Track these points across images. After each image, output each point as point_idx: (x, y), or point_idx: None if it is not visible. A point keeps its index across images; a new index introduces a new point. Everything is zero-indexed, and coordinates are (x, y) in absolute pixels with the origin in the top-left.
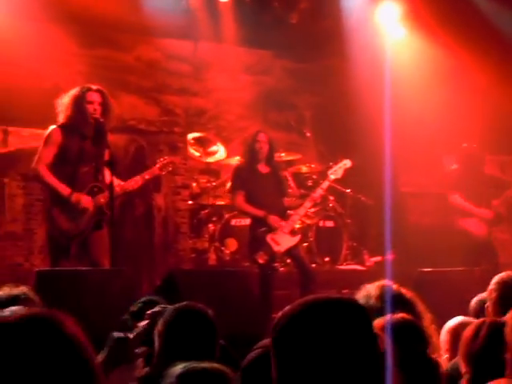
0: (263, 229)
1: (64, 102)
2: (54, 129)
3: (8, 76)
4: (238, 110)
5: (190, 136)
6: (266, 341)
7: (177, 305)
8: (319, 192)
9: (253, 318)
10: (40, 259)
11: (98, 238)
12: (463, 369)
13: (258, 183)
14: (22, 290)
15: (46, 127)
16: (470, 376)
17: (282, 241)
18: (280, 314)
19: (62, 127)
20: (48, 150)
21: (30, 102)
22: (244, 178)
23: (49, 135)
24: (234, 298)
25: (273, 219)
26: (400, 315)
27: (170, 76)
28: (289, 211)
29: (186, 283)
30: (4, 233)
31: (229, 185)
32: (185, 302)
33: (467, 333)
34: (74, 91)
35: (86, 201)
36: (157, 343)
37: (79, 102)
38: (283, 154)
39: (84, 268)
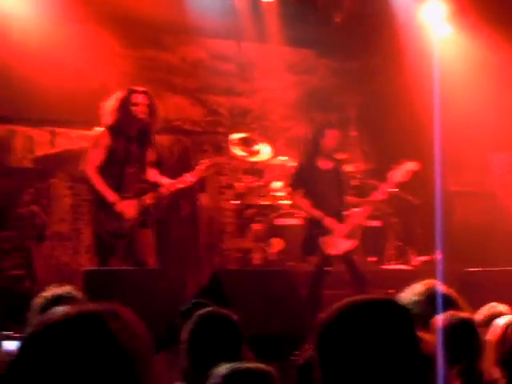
0: (318, 230)
1: (110, 105)
2: (102, 131)
3: (55, 78)
4: (282, 110)
5: (235, 136)
6: None
7: (201, 311)
8: (379, 195)
9: (298, 317)
10: (87, 259)
11: (144, 237)
12: (496, 374)
13: (319, 181)
14: (66, 289)
15: (93, 128)
16: (507, 381)
17: (337, 244)
18: (323, 315)
19: (109, 129)
20: (96, 153)
21: (77, 104)
22: (305, 175)
23: (97, 138)
24: (279, 298)
25: (329, 221)
26: (457, 313)
27: (214, 76)
28: (346, 213)
29: (231, 283)
30: (52, 233)
31: (277, 184)
32: (209, 308)
33: (494, 337)
34: (119, 94)
35: (129, 210)
36: (183, 351)
37: (125, 105)
38: None
39: (129, 268)
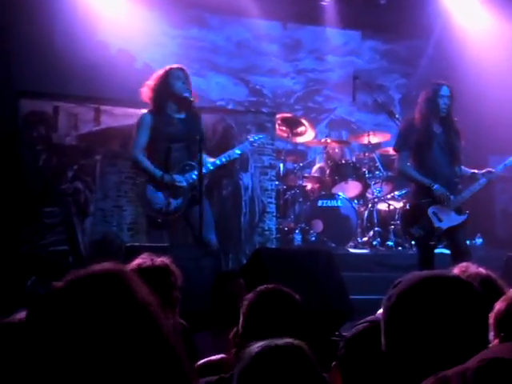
0: (426, 200)
1: (150, 84)
2: (145, 113)
3: (100, 55)
4: (326, 92)
5: (278, 117)
6: (373, 317)
7: (262, 287)
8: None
9: (339, 297)
10: (129, 235)
11: (199, 214)
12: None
13: (430, 145)
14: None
15: (137, 106)
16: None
17: (446, 217)
18: (396, 285)
19: (152, 109)
20: (141, 135)
21: (122, 82)
22: (415, 136)
23: (140, 119)
24: (320, 277)
25: (439, 191)
26: None
27: (258, 57)
28: (460, 186)
29: (272, 261)
30: (95, 209)
31: (319, 165)
32: (271, 285)
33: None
34: (158, 72)
35: (178, 179)
36: (240, 324)
37: (164, 82)
38: (371, 136)
39: (168, 244)
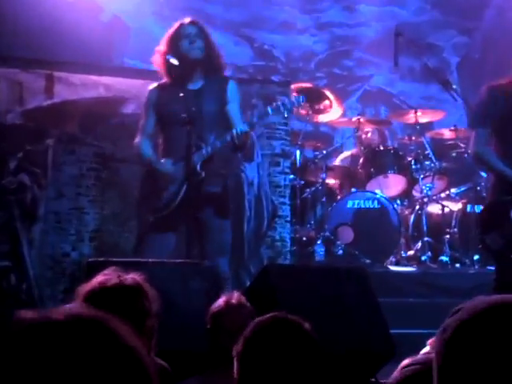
0: (508, 198)
1: (159, 48)
2: (151, 88)
3: (57, 5)
4: (358, 53)
5: (293, 87)
6: (423, 356)
7: (263, 317)
8: None
9: (375, 332)
10: (92, 248)
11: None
12: None
13: None
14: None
15: (103, 72)
16: None
17: None
18: (455, 314)
19: (161, 84)
20: (146, 117)
21: (82, 40)
22: (500, 111)
23: (146, 97)
24: (348, 305)
25: None
26: None
27: (267, 6)
28: None
29: (284, 283)
30: (46, 213)
31: (349, 152)
32: (273, 314)
33: None
34: (169, 31)
35: (177, 173)
36: (235, 366)
37: (173, 43)
38: (419, 113)
39: (150, 260)
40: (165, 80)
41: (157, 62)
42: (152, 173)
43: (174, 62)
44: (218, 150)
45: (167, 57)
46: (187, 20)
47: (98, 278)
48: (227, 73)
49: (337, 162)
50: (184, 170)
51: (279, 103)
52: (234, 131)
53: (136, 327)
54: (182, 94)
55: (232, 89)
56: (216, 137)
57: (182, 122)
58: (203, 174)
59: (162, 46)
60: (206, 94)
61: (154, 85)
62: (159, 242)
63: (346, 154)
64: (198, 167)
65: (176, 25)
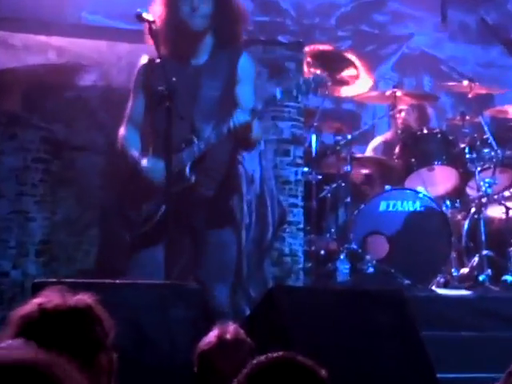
0: None
1: (155, 9)
2: (142, 63)
3: None
4: (393, 4)
5: (308, 51)
6: None
7: (263, 357)
8: None
9: (417, 377)
10: (39, 264)
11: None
12: None
13: None
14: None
15: (56, 32)
16: None
17: None
18: None
19: (154, 58)
20: (133, 100)
21: None
22: None
23: (136, 74)
24: (383, 341)
25: None
26: None
27: None
28: None
29: (294, 311)
30: None
31: (380, 139)
32: (278, 353)
33: None
34: None
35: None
36: None
37: (171, 5)
38: (476, 84)
39: (117, 281)
40: (161, 51)
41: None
42: (135, 176)
43: (149, 17)
44: (212, 146)
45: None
46: None
47: (37, 300)
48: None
49: (367, 151)
50: (166, 172)
51: (292, 84)
52: (232, 122)
53: (86, 363)
54: (158, 61)
55: (244, 65)
56: (214, 128)
57: (159, 98)
58: (193, 179)
59: (156, 7)
60: (208, 72)
61: (145, 58)
62: (145, 260)
63: (378, 139)
64: (188, 169)
65: None
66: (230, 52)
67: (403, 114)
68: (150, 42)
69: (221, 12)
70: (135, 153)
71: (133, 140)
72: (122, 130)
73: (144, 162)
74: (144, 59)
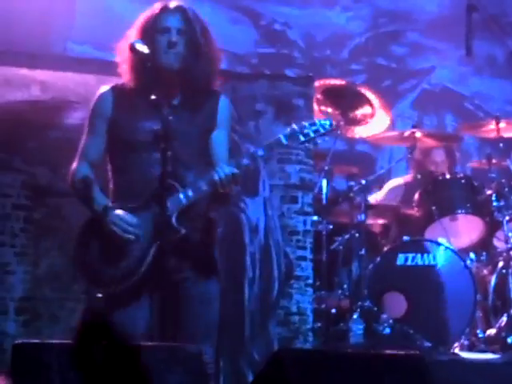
0: None
1: (128, 36)
2: (103, 92)
3: None
4: (413, 36)
5: (318, 86)
6: None
7: None
8: None
9: None
10: (19, 323)
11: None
12: None
13: None
14: None
15: (37, 65)
16: None
17: None
18: None
19: (119, 88)
20: (91, 134)
21: (6, 16)
22: None
23: (94, 103)
24: None
25: None
26: None
27: None
28: None
29: (303, 377)
30: None
31: (395, 181)
32: None
33: None
34: (146, 13)
35: (125, 220)
36: None
37: (149, 34)
38: (503, 124)
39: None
40: (126, 82)
41: (122, 53)
42: (98, 224)
43: (143, 48)
44: (203, 195)
45: (133, 42)
46: (172, 3)
47: None
48: (221, 63)
49: (381, 196)
50: (153, 222)
51: (296, 128)
52: (217, 175)
53: None
54: (153, 97)
55: (223, 109)
56: (196, 176)
57: (154, 140)
58: (183, 231)
59: (132, 34)
60: (185, 113)
61: (106, 88)
62: (123, 320)
63: (395, 184)
64: (174, 219)
65: (155, 8)
66: (205, 94)
67: (430, 155)
68: (126, 75)
69: (194, 54)
70: (96, 194)
71: (85, 180)
72: (74, 165)
73: (116, 213)
74: (104, 88)
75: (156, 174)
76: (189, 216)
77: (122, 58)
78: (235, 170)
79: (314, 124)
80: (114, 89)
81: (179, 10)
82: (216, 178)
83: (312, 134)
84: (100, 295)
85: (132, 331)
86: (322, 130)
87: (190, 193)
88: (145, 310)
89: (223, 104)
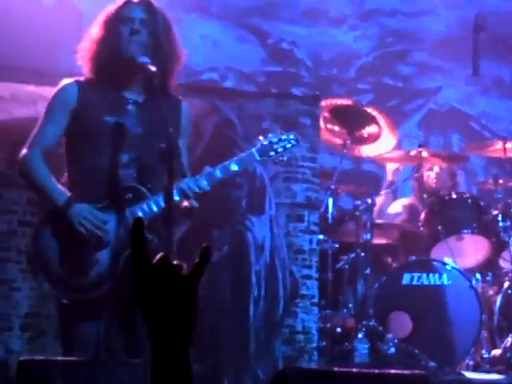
0: None
1: (92, 33)
2: (68, 83)
3: None
4: (420, 56)
5: (324, 105)
6: None
7: None
8: None
9: None
10: (24, 340)
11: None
12: None
13: None
14: None
15: (44, 81)
16: None
17: None
18: None
19: (83, 82)
20: (50, 121)
21: (14, 32)
22: None
23: (56, 93)
24: None
25: None
26: None
27: None
28: None
29: None
30: None
31: (404, 201)
32: None
33: None
34: (108, 8)
35: (100, 218)
36: None
37: (110, 29)
38: (510, 145)
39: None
40: (88, 75)
41: (83, 50)
42: (57, 219)
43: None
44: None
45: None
46: None
47: None
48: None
49: (391, 213)
50: (120, 228)
51: (266, 143)
52: (197, 183)
53: None
54: (129, 102)
55: (186, 118)
56: (153, 185)
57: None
58: (155, 241)
59: (94, 29)
60: (152, 113)
61: (70, 80)
62: (81, 333)
63: (401, 203)
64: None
65: (119, 1)
66: (168, 98)
67: (436, 175)
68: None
69: (157, 45)
70: (47, 179)
71: (38, 164)
72: (23, 152)
73: (83, 205)
74: (67, 80)
75: (117, 170)
76: (155, 225)
77: (82, 52)
78: (208, 187)
79: (281, 140)
80: (78, 82)
81: (143, 2)
82: (185, 188)
83: (280, 150)
84: (65, 301)
85: (85, 343)
86: (288, 146)
87: (162, 202)
88: (103, 324)
89: (186, 112)
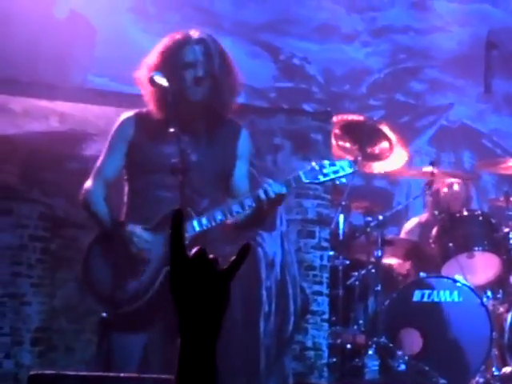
0: None
1: (148, 63)
2: (126, 117)
3: None
4: (432, 73)
5: (336, 121)
6: None
7: None
8: None
9: None
10: (35, 354)
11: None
12: None
13: None
14: None
15: (56, 97)
16: None
17: None
18: None
19: (142, 114)
20: (111, 154)
21: (25, 48)
22: None
23: (116, 128)
24: None
25: None
26: None
27: (298, 2)
28: None
29: None
30: None
31: (413, 222)
32: None
33: None
34: (161, 44)
35: (144, 237)
36: None
37: (174, 68)
38: None
39: (122, 374)
40: (149, 110)
41: (142, 81)
42: (108, 242)
43: (163, 81)
44: (216, 225)
45: (153, 74)
46: (194, 34)
47: None
48: (240, 97)
49: (404, 231)
50: (164, 246)
51: (316, 166)
52: (263, 191)
53: None
54: (172, 130)
55: (244, 141)
56: (211, 204)
57: (171, 171)
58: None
59: (152, 59)
60: (203, 144)
61: (130, 114)
62: (121, 346)
63: (413, 221)
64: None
65: (176, 38)
66: (228, 124)
67: (447, 192)
68: (152, 106)
69: (220, 85)
70: (107, 211)
71: (97, 198)
72: (88, 184)
73: (130, 227)
74: (127, 114)
75: (169, 198)
76: (199, 244)
77: (143, 88)
78: (284, 190)
79: (333, 164)
80: (136, 115)
81: (201, 41)
82: (262, 195)
83: (331, 175)
84: (105, 315)
85: (129, 357)
86: (341, 172)
87: (205, 221)
88: (144, 337)
89: (244, 137)
